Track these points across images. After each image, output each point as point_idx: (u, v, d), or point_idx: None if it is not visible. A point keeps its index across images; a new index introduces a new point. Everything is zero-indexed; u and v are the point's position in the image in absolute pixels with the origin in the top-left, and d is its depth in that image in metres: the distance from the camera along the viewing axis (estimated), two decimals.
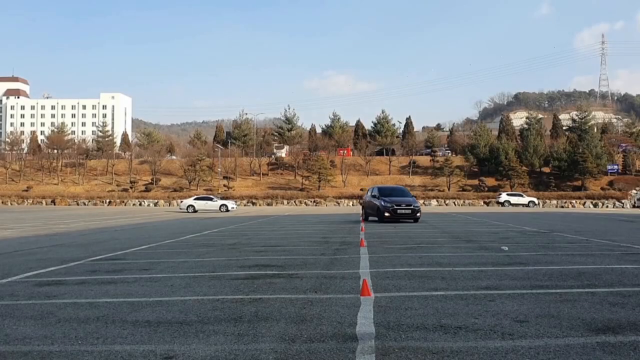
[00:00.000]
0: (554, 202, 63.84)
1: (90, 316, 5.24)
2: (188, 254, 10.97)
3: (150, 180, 75.96)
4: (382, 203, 22.01)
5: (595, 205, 62.08)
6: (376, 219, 22.87)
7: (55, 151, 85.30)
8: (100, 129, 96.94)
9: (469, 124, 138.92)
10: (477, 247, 11.89)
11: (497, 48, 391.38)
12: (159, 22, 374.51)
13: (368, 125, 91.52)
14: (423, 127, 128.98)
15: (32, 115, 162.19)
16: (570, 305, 5.48)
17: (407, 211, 21.83)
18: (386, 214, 21.61)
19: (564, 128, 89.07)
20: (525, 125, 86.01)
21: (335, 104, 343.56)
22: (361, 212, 26.42)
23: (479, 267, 8.45)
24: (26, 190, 74.07)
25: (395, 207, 21.70)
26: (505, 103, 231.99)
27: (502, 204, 59.62)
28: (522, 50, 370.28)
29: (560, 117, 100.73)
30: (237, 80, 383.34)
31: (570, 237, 14.63)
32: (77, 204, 67.70)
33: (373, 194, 23.93)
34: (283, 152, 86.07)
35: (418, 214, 22.08)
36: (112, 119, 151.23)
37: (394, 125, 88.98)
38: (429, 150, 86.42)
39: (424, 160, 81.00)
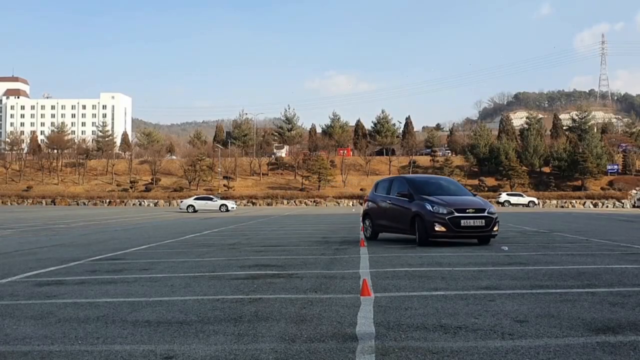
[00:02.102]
0: (554, 202, 63.85)
1: (90, 316, 5.24)
2: (188, 253, 10.97)
3: (150, 180, 75.94)
4: (430, 206, 11.69)
5: (595, 205, 62.07)
6: (404, 235, 13.03)
7: (55, 151, 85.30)
8: (100, 128, 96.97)
9: (469, 124, 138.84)
10: (477, 247, 11.87)
11: (497, 48, 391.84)
12: (159, 22, 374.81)
13: (368, 125, 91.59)
14: (423, 127, 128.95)
15: (32, 115, 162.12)
16: (570, 305, 5.48)
17: (478, 222, 11.58)
18: (438, 228, 11.45)
19: (564, 128, 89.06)
20: (525, 125, 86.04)
21: (335, 104, 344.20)
22: (362, 223, 15.10)
23: (479, 267, 8.45)
24: (26, 190, 74.06)
25: (457, 214, 11.46)
26: (505, 103, 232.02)
27: (502, 203, 59.62)
28: (522, 50, 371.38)
29: (560, 117, 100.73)
30: (237, 80, 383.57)
31: (570, 237, 14.62)
32: (77, 204, 67.69)
33: (401, 190, 12.81)
34: (283, 152, 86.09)
35: (496, 229, 11.99)
36: (112, 119, 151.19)
37: (394, 125, 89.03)
38: (429, 150, 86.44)
39: (424, 160, 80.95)
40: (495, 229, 11.90)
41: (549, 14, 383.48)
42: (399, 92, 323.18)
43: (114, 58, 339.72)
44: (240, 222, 24.76)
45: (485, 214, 11.75)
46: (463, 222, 11.50)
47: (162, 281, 7.37)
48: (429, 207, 11.71)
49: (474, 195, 13.05)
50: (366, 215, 14.58)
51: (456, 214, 11.51)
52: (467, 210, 11.66)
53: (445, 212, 11.54)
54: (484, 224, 11.64)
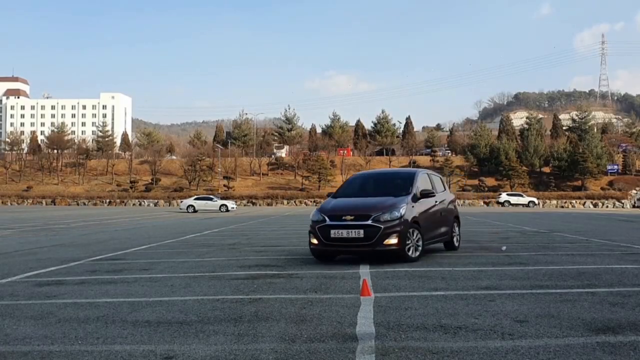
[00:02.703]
0: (554, 202, 63.88)
1: (90, 316, 5.24)
2: (188, 254, 10.97)
3: (150, 180, 75.94)
4: (316, 214, 9.29)
5: (595, 205, 62.09)
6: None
7: (55, 151, 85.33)
8: (100, 129, 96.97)
9: (469, 124, 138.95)
10: (477, 247, 11.88)
11: (497, 48, 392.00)
12: (159, 22, 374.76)
13: (368, 125, 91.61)
14: (423, 127, 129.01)
15: (32, 115, 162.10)
16: (570, 305, 5.48)
17: (354, 233, 8.67)
18: (312, 240, 9.21)
19: (564, 128, 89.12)
20: (526, 125, 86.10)
21: (335, 104, 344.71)
22: None
23: (479, 267, 8.45)
24: (26, 190, 74.07)
25: (330, 222, 8.88)
26: (505, 103, 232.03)
27: (502, 204, 59.65)
28: (522, 50, 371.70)
29: (560, 117, 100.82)
30: (237, 80, 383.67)
31: (570, 237, 14.62)
32: (77, 204, 67.69)
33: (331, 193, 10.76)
34: (283, 152, 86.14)
35: (391, 242, 8.62)
36: (112, 119, 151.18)
37: (394, 125, 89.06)
38: (429, 150, 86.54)
39: (424, 160, 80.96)
40: (389, 241, 8.57)
41: (549, 14, 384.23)
42: (399, 92, 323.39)
43: (114, 58, 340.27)
44: (240, 222, 24.76)
45: (369, 222, 8.58)
46: (333, 233, 8.75)
47: (162, 281, 7.38)
48: (315, 215, 9.29)
49: (406, 194, 9.31)
50: None
51: (328, 222, 8.85)
52: (344, 217, 8.78)
53: (318, 219, 9.07)
54: (362, 236, 8.58)
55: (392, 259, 8.93)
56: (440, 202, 10.39)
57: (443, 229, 10.42)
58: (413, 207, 9.12)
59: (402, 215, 8.73)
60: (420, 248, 9.09)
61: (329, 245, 8.93)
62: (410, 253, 8.88)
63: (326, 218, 8.95)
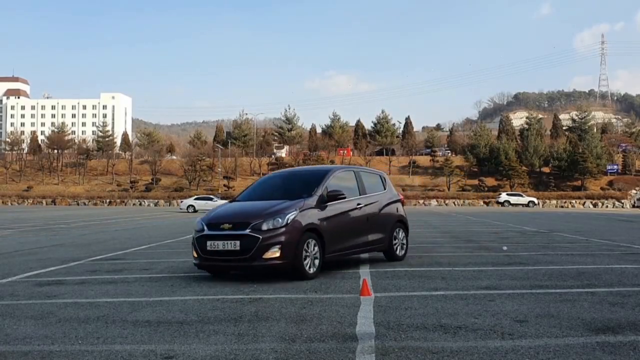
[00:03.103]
0: (554, 202, 63.88)
1: (91, 316, 5.25)
2: (188, 254, 10.93)
3: (150, 180, 75.97)
4: (198, 223, 7.80)
5: (595, 205, 62.10)
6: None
7: (56, 151, 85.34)
8: (101, 128, 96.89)
9: (469, 124, 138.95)
10: (477, 247, 11.89)
11: (497, 48, 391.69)
12: (159, 22, 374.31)
13: (368, 125, 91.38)
14: (423, 127, 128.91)
15: (32, 115, 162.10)
16: (570, 305, 5.48)
17: (230, 245, 7.19)
18: (193, 253, 7.67)
19: (564, 128, 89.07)
20: (525, 125, 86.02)
21: (335, 104, 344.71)
22: None
23: (479, 267, 8.46)
24: (27, 190, 74.10)
25: (208, 231, 7.46)
26: (505, 103, 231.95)
27: (502, 204, 59.68)
28: (522, 50, 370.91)
29: (560, 117, 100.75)
30: (237, 80, 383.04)
31: (570, 237, 14.63)
32: (78, 204, 67.71)
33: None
34: (283, 152, 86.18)
35: (272, 254, 7.09)
36: (112, 119, 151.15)
37: (393, 125, 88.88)
38: (429, 150, 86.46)
39: (424, 160, 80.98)
40: (270, 255, 7.06)
41: (549, 14, 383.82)
42: (399, 92, 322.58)
43: (114, 58, 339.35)
44: None
45: (246, 231, 7.17)
46: (209, 245, 7.33)
47: (162, 281, 7.38)
48: (198, 224, 7.83)
49: (325, 195, 7.93)
50: None
51: (206, 232, 7.47)
52: (222, 226, 7.41)
53: (198, 228, 7.66)
54: (238, 248, 7.15)
55: (281, 275, 7.45)
56: (368, 204, 8.77)
57: (372, 237, 8.79)
58: (315, 211, 7.65)
59: (289, 223, 7.22)
60: (318, 262, 7.52)
61: (207, 260, 7.45)
62: (307, 268, 7.31)
63: (205, 227, 7.56)
